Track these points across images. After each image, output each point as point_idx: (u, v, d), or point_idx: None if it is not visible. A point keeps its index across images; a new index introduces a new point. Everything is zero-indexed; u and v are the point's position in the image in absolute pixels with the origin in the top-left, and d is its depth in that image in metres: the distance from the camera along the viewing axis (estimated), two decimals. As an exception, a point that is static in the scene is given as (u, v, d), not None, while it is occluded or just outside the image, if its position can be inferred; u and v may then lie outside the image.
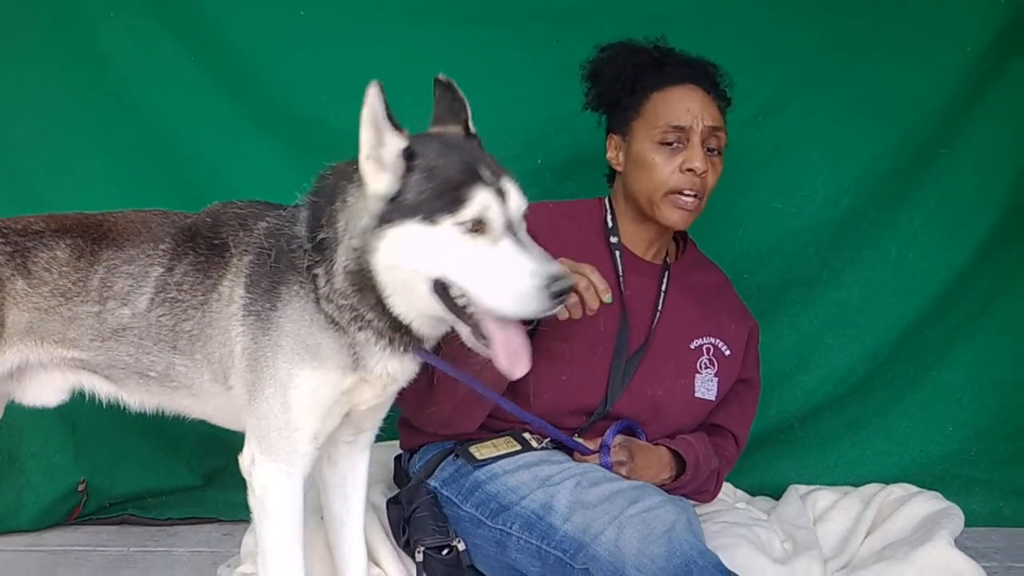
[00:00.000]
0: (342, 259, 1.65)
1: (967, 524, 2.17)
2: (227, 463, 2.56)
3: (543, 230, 1.84)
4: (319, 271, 1.68)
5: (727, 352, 2.21)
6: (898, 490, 2.31)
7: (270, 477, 1.73)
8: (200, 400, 1.83)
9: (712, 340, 2.19)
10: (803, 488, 2.48)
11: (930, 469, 2.78)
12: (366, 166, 1.61)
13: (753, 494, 2.56)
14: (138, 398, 1.87)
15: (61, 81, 2.66)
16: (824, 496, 2.39)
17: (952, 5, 2.71)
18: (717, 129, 2.10)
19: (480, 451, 2.01)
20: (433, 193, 1.58)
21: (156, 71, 2.67)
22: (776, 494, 2.53)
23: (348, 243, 1.64)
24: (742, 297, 2.35)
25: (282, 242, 1.72)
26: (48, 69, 2.66)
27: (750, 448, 2.71)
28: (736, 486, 2.53)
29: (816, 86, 2.71)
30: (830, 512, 2.31)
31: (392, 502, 2.04)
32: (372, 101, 1.58)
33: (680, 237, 2.30)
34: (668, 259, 2.25)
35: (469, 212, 1.57)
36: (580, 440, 2.07)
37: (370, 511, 2.03)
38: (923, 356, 2.82)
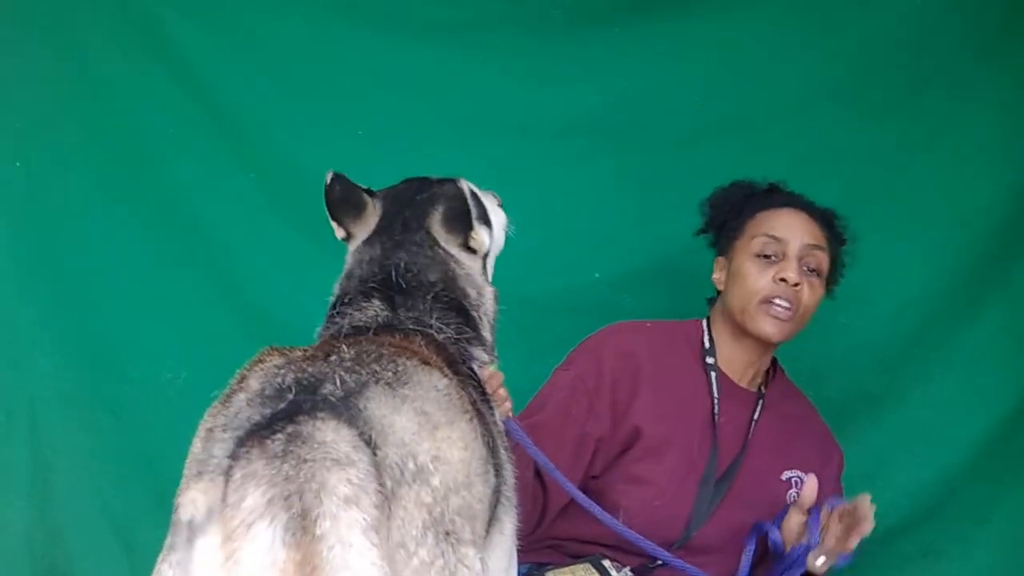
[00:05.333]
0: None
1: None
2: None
3: (640, 349, 1.86)
4: None
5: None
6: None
7: None
8: None
9: (800, 474, 2.12)
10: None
11: (1014, 602, 2.61)
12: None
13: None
14: None
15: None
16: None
17: (1000, 120, 2.66)
18: (816, 247, 2.10)
19: None
20: None
21: (182, 144, 2.59)
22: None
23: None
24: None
25: None
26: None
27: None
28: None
29: (881, 195, 2.65)
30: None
31: None
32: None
33: (772, 365, 2.25)
34: (763, 387, 2.20)
35: None
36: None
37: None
38: (1001, 476, 2.67)
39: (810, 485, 1.96)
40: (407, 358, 1.35)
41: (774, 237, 2.10)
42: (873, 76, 2.68)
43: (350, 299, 1.66)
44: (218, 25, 2.59)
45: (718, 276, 2.21)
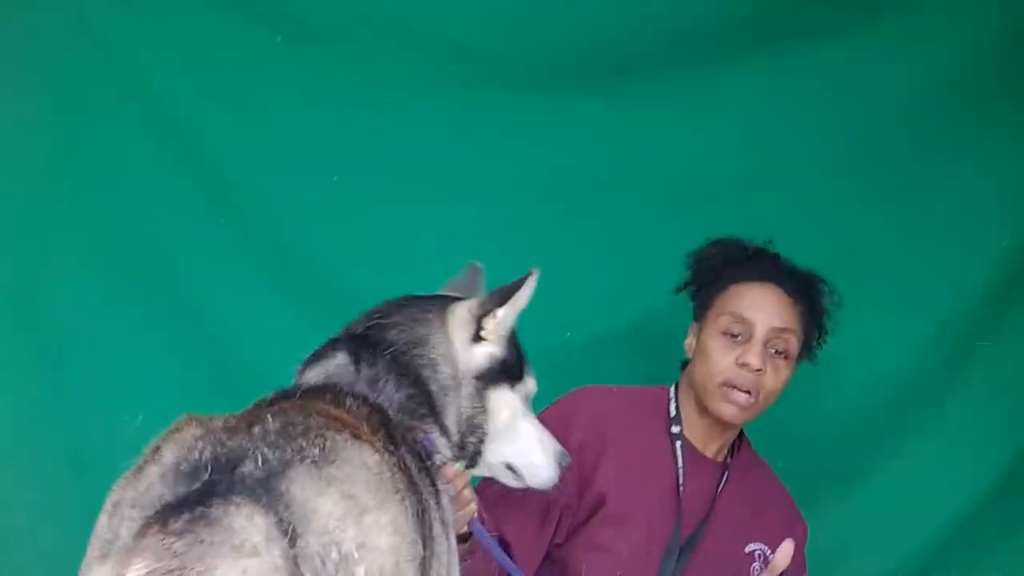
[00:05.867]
0: None
1: None
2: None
3: (608, 415, 1.86)
4: None
5: None
6: None
7: None
8: None
9: (764, 547, 2.09)
10: None
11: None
12: None
13: None
14: None
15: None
16: None
17: (991, 194, 2.66)
18: (786, 331, 2.05)
19: None
20: None
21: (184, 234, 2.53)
22: None
23: None
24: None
25: None
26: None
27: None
28: None
29: (861, 266, 2.61)
30: None
31: None
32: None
33: (738, 436, 2.21)
34: (728, 458, 2.16)
35: None
36: None
37: None
38: (971, 566, 2.64)
39: (786, 548, 1.91)
40: (336, 431, 1.25)
41: (741, 318, 2.05)
42: (862, 145, 2.67)
43: (321, 348, 1.60)
44: (195, 67, 2.53)
45: (690, 342, 2.17)
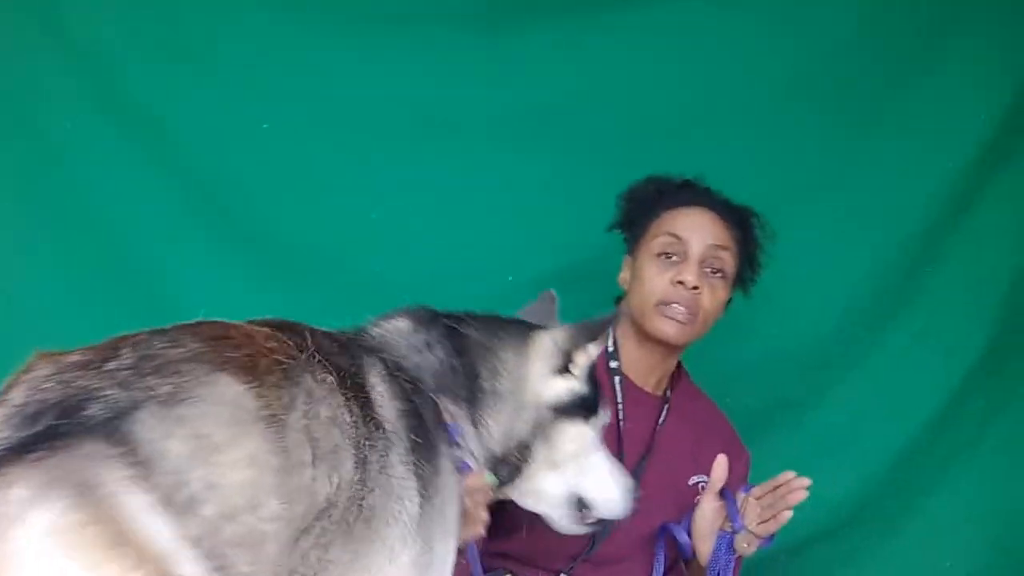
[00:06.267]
0: None
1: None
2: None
3: None
4: None
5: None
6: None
7: None
8: None
9: (707, 479, 2.04)
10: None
11: (930, 606, 2.59)
12: None
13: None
14: None
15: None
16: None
17: (935, 121, 2.64)
18: (721, 248, 2.04)
19: None
20: None
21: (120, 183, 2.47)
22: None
23: None
24: (724, 421, 2.22)
25: None
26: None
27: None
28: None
29: (804, 198, 2.60)
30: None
31: None
32: None
33: (677, 369, 2.20)
34: (668, 391, 2.15)
35: None
36: None
37: None
38: (916, 484, 2.66)
39: (721, 463, 1.93)
40: (200, 362, 1.21)
41: (676, 236, 2.04)
42: (798, 80, 2.64)
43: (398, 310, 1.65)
44: (125, 11, 2.46)
45: (624, 276, 2.16)
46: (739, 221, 2.12)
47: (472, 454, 1.59)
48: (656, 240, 2.07)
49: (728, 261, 2.07)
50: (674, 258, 2.04)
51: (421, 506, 1.42)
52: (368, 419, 1.39)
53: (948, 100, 2.65)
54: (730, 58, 2.63)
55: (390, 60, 2.56)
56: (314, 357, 1.36)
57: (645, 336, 2.08)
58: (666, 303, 2.02)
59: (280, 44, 2.51)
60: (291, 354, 1.32)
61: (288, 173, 2.51)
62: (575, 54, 2.63)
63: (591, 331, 1.67)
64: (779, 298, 2.57)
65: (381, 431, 1.40)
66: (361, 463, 1.33)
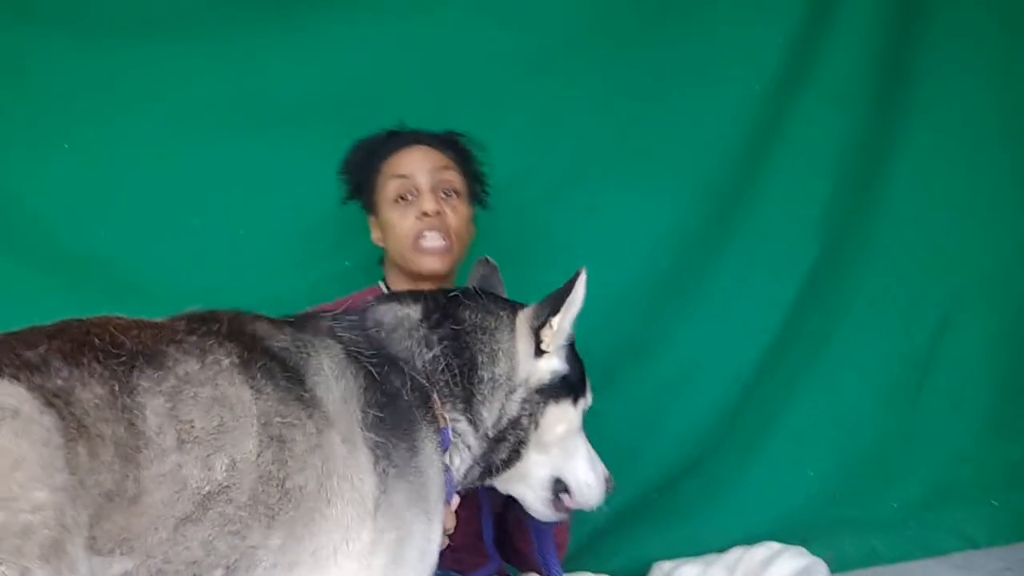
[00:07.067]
0: None
1: (841, 568, 2.15)
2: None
3: None
4: None
5: None
6: (761, 551, 2.25)
7: None
8: None
9: None
10: (667, 565, 2.38)
11: (797, 517, 2.68)
12: None
13: (620, 579, 2.40)
14: None
15: None
16: (688, 571, 2.30)
17: (730, 46, 2.69)
18: (444, 170, 2.14)
19: None
20: None
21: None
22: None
23: None
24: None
25: None
26: None
27: (611, 530, 2.58)
28: (599, 571, 2.36)
29: (614, 147, 2.64)
30: (696, 586, 2.19)
31: None
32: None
33: None
34: None
35: None
36: None
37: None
38: (769, 404, 2.75)
39: None
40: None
41: (403, 176, 2.13)
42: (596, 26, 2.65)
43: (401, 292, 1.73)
44: None
45: (376, 235, 2.22)
46: (449, 143, 2.21)
47: (468, 448, 1.60)
48: (387, 188, 2.15)
49: (456, 180, 2.16)
50: (409, 197, 2.13)
51: (383, 484, 1.40)
52: (294, 398, 1.36)
53: (744, 23, 2.70)
54: (500, 23, 2.61)
55: (173, 61, 2.46)
56: (212, 340, 1.33)
57: (415, 276, 2.14)
58: (420, 237, 2.09)
59: (59, 59, 2.40)
60: (145, 342, 1.29)
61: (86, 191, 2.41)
62: (342, 39, 2.55)
63: (554, 302, 1.64)
64: (609, 248, 2.61)
65: (312, 409, 1.37)
66: (273, 441, 1.30)
